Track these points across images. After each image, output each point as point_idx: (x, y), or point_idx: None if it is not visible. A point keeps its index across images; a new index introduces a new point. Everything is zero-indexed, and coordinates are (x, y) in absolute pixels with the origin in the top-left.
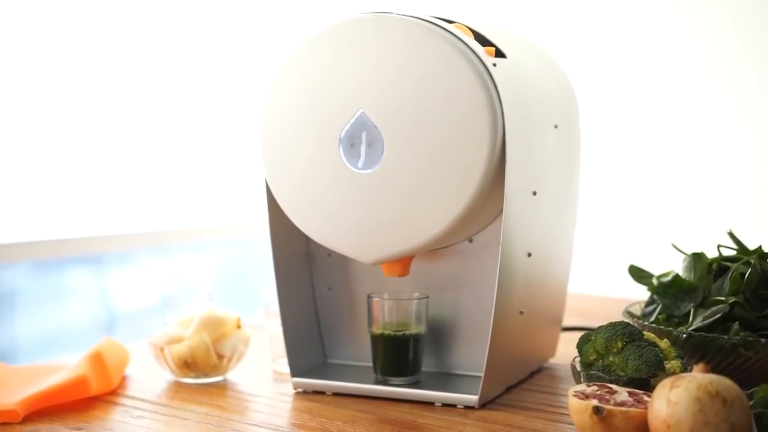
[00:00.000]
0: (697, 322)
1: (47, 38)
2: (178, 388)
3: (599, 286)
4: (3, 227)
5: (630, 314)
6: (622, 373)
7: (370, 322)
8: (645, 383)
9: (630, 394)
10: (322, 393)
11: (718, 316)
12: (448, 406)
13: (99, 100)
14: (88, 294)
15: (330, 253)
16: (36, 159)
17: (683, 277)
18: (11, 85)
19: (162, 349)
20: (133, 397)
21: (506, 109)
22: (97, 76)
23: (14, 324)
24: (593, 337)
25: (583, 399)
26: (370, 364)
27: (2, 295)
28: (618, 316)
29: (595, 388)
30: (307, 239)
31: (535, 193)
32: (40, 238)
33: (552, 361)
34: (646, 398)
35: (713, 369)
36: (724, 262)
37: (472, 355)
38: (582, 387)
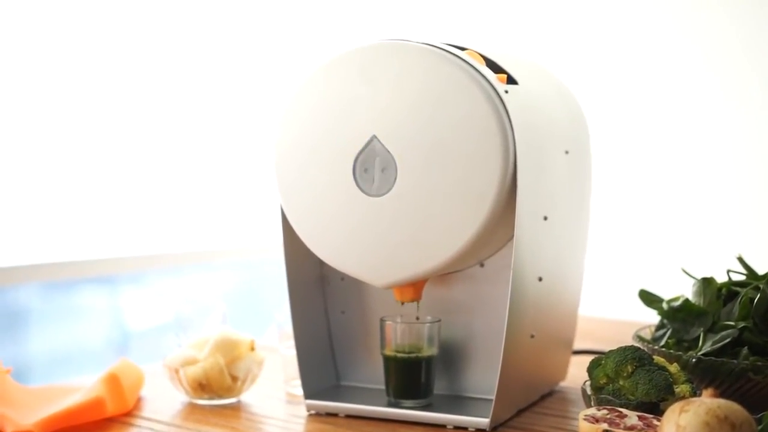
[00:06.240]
0: (707, 347)
1: (65, 58)
2: (192, 409)
3: (610, 310)
4: (18, 248)
5: (640, 338)
6: (632, 397)
7: (383, 345)
8: (655, 407)
9: (640, 418)
10: (335, 415)
11: (728, 340)
12: (460, 428)
13: (114, 123)
14: (100, 313)
15: (343, 277)
16: (50, 181)
17: (693, 301)
18: (28, 107)
19: (177, 371)
20: (148, 419)
21: (518, 135)
22: (112, 98)
23: (28, 343)
24: (604, 361)
25: (593, 423)
26: (383, 387)
27: (16, 314)
28: (628, 340)
29: (605, 411)
30: (320, 263)
31: (546, 218)
32: (53, 259)
33: (563, 384)
34: (655, 422)
35: (722, 393)
36: (733, 287)
37: (484, 378)
38: (592, 411)
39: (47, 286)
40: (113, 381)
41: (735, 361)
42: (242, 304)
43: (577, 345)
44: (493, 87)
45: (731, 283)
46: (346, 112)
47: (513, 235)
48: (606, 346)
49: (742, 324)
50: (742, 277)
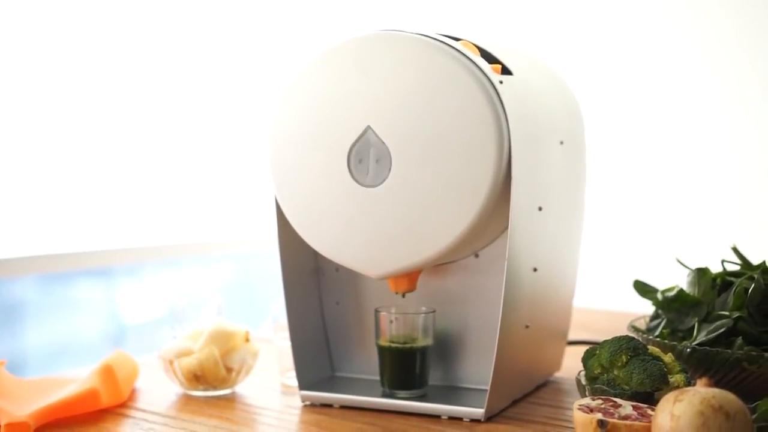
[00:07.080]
0: (701, 337)
1: (60, 52)
2: (187, 400)
3: (604, 301)
4: (14, 241)
5: (635, 328)
6: (627, 387)
7: (378, 336)
8: (649, 397)
9: (634, 407)
10: (330, 406)
11: (722, 330)
12: (455, 419)
13: (109, 115)
14: (96, 306)
15: (338, 268)
16: (45, 173)
17: (687, 292)
18: (24, 100)
19: (171, 362)
20: (142, 410)
21: (512, 125)
22: (107, 90)
23: (24, 336)
24: (598, 351)
25: (587, 412)
26: (378, 378)
27: (12, 307)
28: (623, 331)
29: (599, 401)
30: (315, 254)
31: (540, 209)
32: (49, 251)
33: (557, 374)
34: (650, 412)
35: (717, 383)
36: (728, 277)
37: (479, 369)
38: (587, 400)
39: (43, 278)
40: (108, 372)
41: (729, 351)
42: (238, 297)
43: (572, 335)
44: (487, 77)
45: (726, 273)
46: (341, 102)
47: (508, 226)
48: (601, 337)
49: (736, 314)
50: (737, 267)
